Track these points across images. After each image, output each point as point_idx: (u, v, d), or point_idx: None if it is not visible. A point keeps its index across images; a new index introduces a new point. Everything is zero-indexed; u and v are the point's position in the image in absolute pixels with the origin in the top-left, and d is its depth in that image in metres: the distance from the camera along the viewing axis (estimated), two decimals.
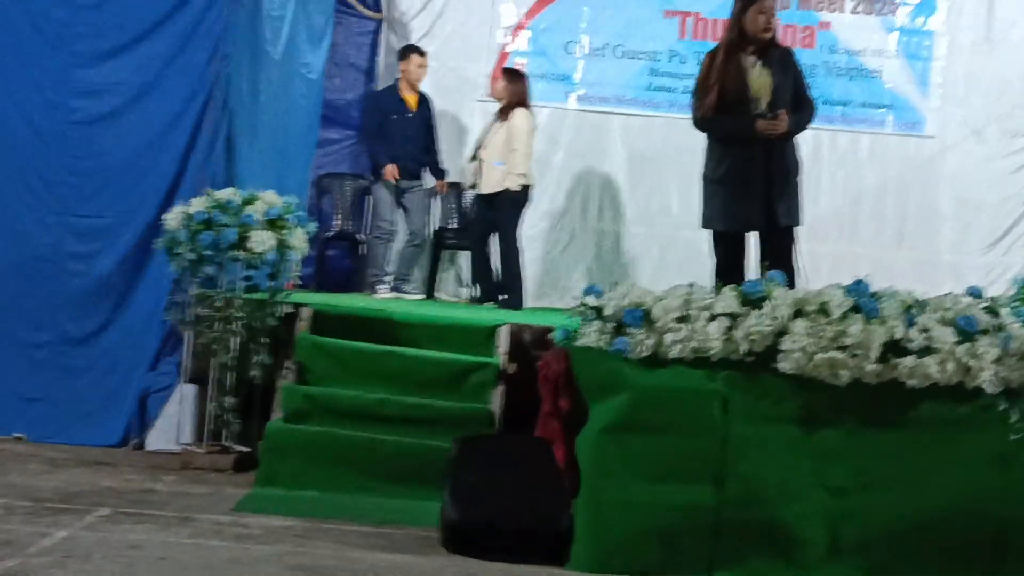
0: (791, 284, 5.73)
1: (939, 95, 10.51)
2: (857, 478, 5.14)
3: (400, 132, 9.58)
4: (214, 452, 6.79)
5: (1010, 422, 5.09)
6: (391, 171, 9.44)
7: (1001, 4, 10.44)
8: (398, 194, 9.61)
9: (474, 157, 9.32)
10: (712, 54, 7.06)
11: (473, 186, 9.37)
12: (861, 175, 10.50)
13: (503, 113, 9.21)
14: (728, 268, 6.72)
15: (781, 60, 6.98)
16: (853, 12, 10.53)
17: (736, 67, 6.86)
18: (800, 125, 7.00)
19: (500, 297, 9.09)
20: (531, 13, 10.52)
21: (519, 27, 10.52)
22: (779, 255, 6.65)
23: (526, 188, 9.10)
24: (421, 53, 9.80)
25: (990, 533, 5.11)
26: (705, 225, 7.10)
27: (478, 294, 9.58)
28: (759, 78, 6.86)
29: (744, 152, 6.82)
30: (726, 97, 6.82)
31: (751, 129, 6.76)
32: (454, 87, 10.38)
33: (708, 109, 6.89)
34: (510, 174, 8.97)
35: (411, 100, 9.70)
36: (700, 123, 7.02)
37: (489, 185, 9.11)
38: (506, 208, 9.07)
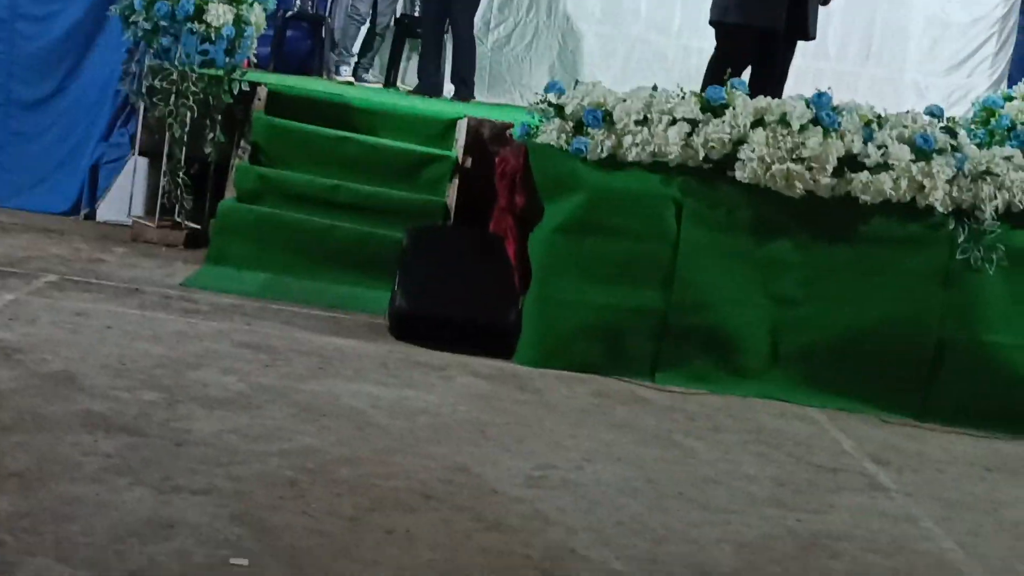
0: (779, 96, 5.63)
1: None
2: (803, 289, 5.23)
3: None
4: (165, 227, 6.76)
5: (957, 242, 5.16)
6: None
7: None
8: None
9: None
10: None
11: None
12: None
13: None
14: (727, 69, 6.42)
15: None
16: None
17: None
18: None
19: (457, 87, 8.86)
20: None
21: None
22: (783, 66, 6.49)
23: None
24: None
25: (928, 350, 5.22)
26: (717, 18, 6.72)
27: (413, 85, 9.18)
28: None
29: None
30: None
31: None
32: None
33: None
34: None
35: None
36: None
37: None
38: None
